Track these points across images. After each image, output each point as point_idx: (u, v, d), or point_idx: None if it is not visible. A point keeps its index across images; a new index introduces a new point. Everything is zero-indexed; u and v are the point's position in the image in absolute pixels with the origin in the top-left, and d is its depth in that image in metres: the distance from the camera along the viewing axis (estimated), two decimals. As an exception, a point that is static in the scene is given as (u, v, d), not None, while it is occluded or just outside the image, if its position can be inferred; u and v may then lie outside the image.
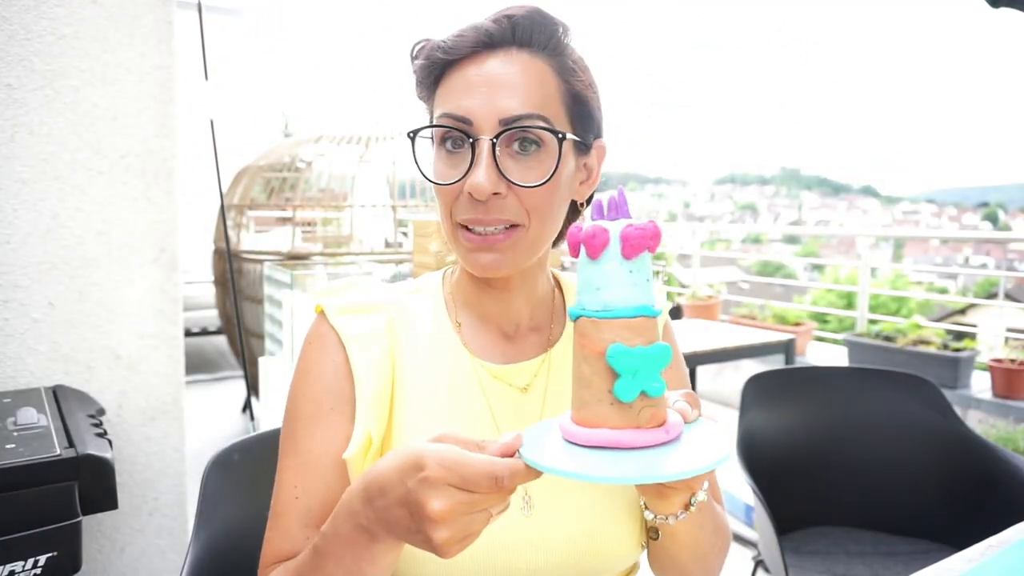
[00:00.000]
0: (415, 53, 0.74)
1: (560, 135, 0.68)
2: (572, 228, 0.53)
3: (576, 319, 0.52)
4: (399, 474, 0.51)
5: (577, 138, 0.72)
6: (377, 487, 0.53)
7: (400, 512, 0.51)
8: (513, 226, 0.68)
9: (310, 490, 0.70)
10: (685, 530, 0.69)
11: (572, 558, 0.70)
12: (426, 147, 0.79)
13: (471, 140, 0.67)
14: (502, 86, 0.67)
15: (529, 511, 0.70)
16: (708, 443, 0.51)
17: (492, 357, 0.76)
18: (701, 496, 0.63)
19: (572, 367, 0.53)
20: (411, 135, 0.71)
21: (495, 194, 0.66)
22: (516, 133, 0.67)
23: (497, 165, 0.66)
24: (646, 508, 0.65)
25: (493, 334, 0.78)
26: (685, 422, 0.54)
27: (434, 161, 0.71)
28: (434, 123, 0.70)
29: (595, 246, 0.50)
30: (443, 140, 0.70)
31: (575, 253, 0.53)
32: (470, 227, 0.69)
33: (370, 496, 0.54)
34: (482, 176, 0.65)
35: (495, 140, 0.66)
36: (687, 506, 0.63)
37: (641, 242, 0.49)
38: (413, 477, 0.50)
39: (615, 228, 0.50)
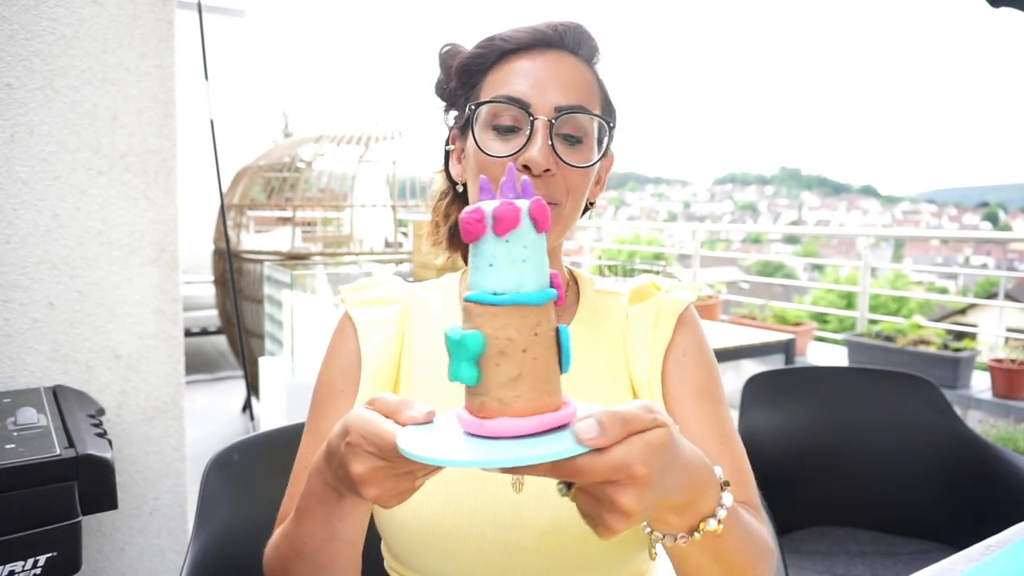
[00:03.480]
0: (449, 51, 0.80)
1: (610, 123, 0.77)
2: None
3: None
4: (337, 439, 0.56)
5: (609, 135, 0.79)
6: (327, 448, 0.59)
7: (343, 472, 0.55)
8: (553, 204, 0.74)
9: None
10: (694, 558, 0.61)
11: (561, 538, 0.71)
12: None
13: (531, 119, 0.72)
14: (558, 79, 0.74)
15: (520, 485, 0.73)
16: (536, 449, 0.47)
17: None
18: (712, 524, 0.55)
19: None
20: (473, 107, 0.75)
21: (546, 171, 0.72)
22: (568, 119, 0.73)
23: (552, 145, 0.72)
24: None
25: None
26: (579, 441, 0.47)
27: (479, 142, 0.75)
28: (494, 99, 0.74)
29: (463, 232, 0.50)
30: (493, 122, 0.75)
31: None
32: None
33: (325, 456, 0.59)
34: (538, 151, 0.71)
35: (553, 121, 0.73)
36: (693, 530, 0.56)
37: (473, 228, 0.48)
38: (342, 441, 0.55)
39: (463, 213, 0.50)
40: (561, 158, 0.73)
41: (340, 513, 0.62)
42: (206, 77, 2.07)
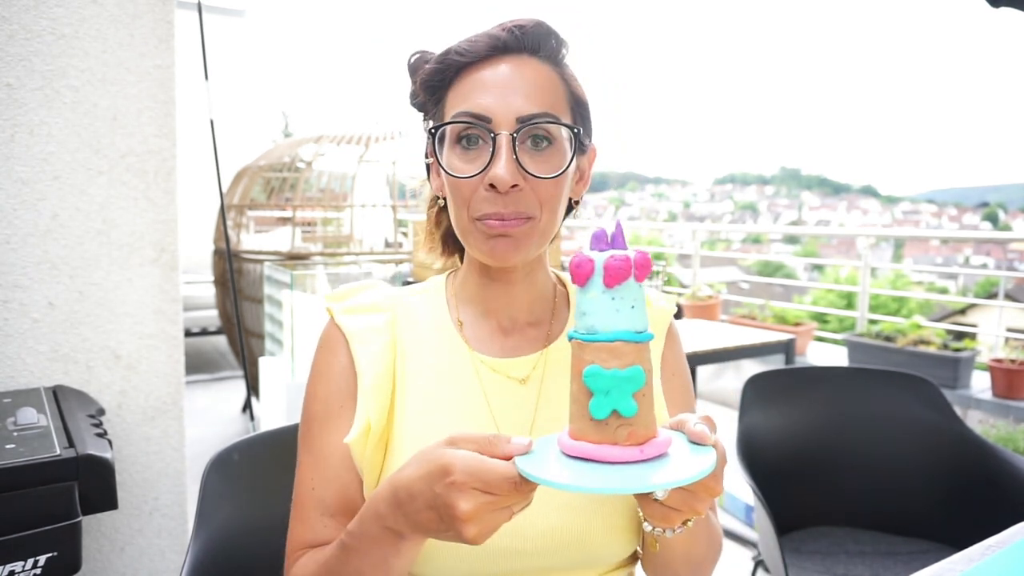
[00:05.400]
0: (416, 62, 0.79)
1: (575, 130, 0.74)
2: (572, 258, 0.58)
3: (570, 340, 0.57)
4: (426, 481, 0.56)
5: (582, 136, 0.77)
6: (406, 493, 0.58)
7: (429, 515, 0.56)
8: (527, 218, 0.73)
9: (324, 483, 0.76)
10: (681, 541, 0.71)
11: (563, 542, 0.72)
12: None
13: (492, 135, 0.70)
14: (518, 87, 0.72)
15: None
16: (684, 466, 0.53)
17: (491, 351, 0.80)
18: None
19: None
20: (432, 131, 0.74)
21: (514, 186, 0.70)
22: (532, 129, 0.72)
23: (516, 159, 0.70)
24: (644, 520, 0.66)
25: (492, 329, 0.82)
26: (701, 443, 0.56)
27: (446, 160, 0.74)
28: (455, 120, 0.72)
29: (580, 275, 0.55)
30: (458, 138, 0.73)
31: (574, 280, 0.57)
32: (487, 220, 0.72)
33: (398, 501, 0.59)
34: (503, 168, 0.69)
35: (515, 135, 0.71)
36: (685, 521, 0.63)
37: (621, 272, 0.54)
38: (440, 482, 0.55)
39: (600, 259, 0.55)
40: (528, 171, 0.71)
41: (397, 551, 0.62)
42: (206, 77, 2.07)
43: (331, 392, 0.78)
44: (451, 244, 0.89)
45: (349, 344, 0.78)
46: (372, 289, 0.85)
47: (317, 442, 0.77)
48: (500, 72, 0.73)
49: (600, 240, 0.57)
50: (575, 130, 0.74)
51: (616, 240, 0.57)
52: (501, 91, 0.72)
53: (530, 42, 0.74)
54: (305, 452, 0.78)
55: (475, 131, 0.72)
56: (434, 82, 0.76)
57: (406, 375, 0.78)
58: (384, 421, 0.76)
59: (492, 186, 0.70)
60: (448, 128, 0.74)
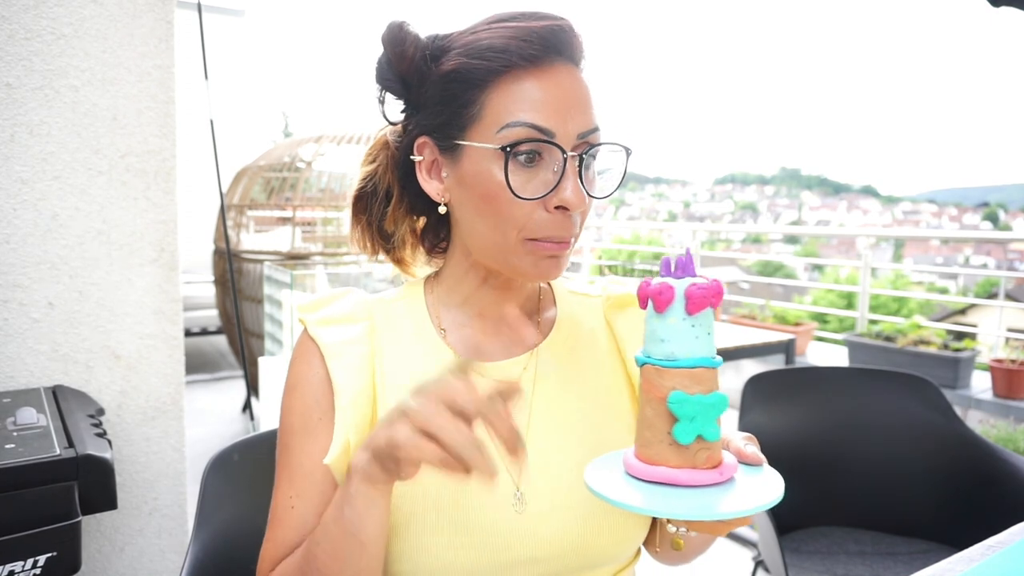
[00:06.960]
0: (440, 46, 0.71)
1: (629, 151, 0.71)
2: (642, 283, 0.58)
3: (642, 365, 0.58)
4: (387, 417, 0.57)
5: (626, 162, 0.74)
6: (367, 440, 0.59)
7: (380, 428, 0.57)
8: (575, 236, 0.72)
9: (304, 498, 0.73)
10: (695, 543, 0.76)
11: (565, 550, 0.71)
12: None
13: (564, 156, 0.66)
14: (573, 102, 0.67)
15: (522, 507, 0.71)
16: (760, 485, 0.56)
17: (477, 356, 0.77)
18: None
19: (639, 409, 0.59)
20: (507, 149, 0.66)
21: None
22: (591, 149, 0.68)
23: (581, 179, 0.67)
24: (669, 522, 0.65)
25: (477, 333, 0.78)
26: (754, 464, 0.60)
27: (512, 183, 0.66)
28: (523, 137, 0.66)
29: (662, 301, 0.56)
30: (514, 151, 0.66)
31: (644, 306, 0.58)
32: (546, 242, 0.69)
33: (360, 449, 0.60)
34: (577, 192, 0.66)
35: (583, 155, 0.67)
36: None
37: (703, 300, 0.55)
38: (398, 408, 0.56)
39: (680, 286, 0.56)
40: (588, 193, 0.68)
41: (351, 505, 0.61)
42: (206, 77, 2.07)
43: (309, 405, 0.74)
44: (380, 241, 0.84)
45: (324, 358, 0.74)
46: (347, 297, 0.80)
47: (296, 457, 0.73)
48: (553, 82, 0.67)
49: (669, 267, 0.58)
50: (628, 151, 0.70)
51: (688, 267, 0.58)
52: (564, 103, 0.66)
53: (568, 49, 0.69)
54: (284, 467, 0.74)
55: (534, 147, 0.66)
56: (471, 77, 0.67)
57: (387, 387, 0.74)
58: (365, 438, 0.70)
59: (559, 208, 0.67)
60: (498, 136, 0.66)
